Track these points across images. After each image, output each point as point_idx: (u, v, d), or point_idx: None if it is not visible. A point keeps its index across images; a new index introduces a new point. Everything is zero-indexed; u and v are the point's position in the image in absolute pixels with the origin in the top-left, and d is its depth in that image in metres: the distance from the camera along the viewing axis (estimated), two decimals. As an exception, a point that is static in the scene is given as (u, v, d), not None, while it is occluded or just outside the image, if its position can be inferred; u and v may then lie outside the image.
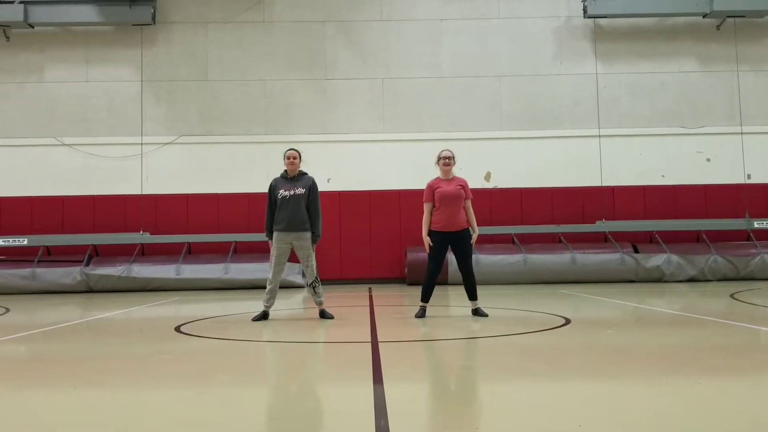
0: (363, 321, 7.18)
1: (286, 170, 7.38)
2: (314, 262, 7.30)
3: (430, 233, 7.17)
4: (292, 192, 7.21)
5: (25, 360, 5.30)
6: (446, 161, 7.27)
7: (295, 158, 7.34)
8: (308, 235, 7.25)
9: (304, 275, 12.41)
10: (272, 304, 7.31)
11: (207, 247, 14.85)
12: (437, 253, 7.15)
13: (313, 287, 7.33)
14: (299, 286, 13.36)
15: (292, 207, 7.17)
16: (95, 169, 15.26)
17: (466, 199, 7.22)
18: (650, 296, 10.26)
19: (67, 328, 7.18)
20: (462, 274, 7.23)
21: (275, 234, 7.25)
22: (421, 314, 7.23)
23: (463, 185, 7.27)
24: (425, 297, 7.31)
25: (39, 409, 3.37)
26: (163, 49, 15.65)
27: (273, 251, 7.24)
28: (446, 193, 7.13)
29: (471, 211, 7.25)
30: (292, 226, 7.17)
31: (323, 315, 7.36)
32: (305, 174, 7.43)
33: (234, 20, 15.72)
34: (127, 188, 15.27)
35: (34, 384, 4.01)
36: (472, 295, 7.27)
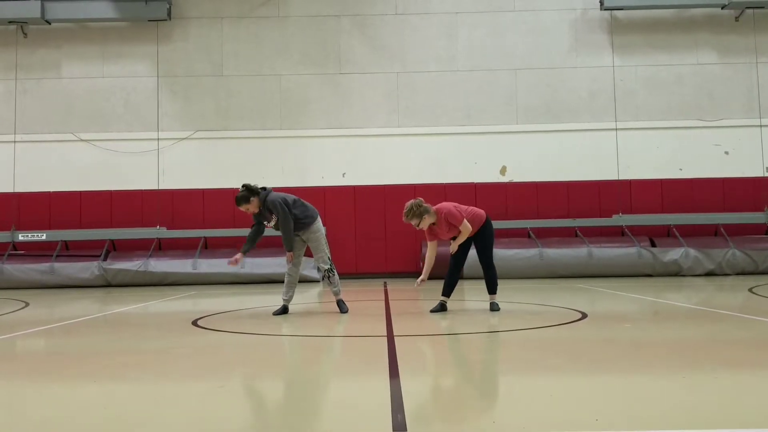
0: (379, 315, 7.19)
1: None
2: (326, 248, 7.26)
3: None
4: (273, 222, 7.07)
5: (45, 354, 5.36)
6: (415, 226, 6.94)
7: (246, 210, 6.97)
8: (314, 226, 7.17)
9: (318, 270, 12.47)
10: (290, 297, 7.34)
11: (223, 241, 14.93)
12: (459, 252, 7.11)
13: (327, 277, 7.28)
14: (314, 281, 13.40)
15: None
16: (112, 165, 15.38)
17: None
18: (667, 290, 10.19)
19: (85, 323, 7.25)
20: (481, 265, 7.18)
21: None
22: (438, 309, 7.22)
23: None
24: (445, 291, 7.27)
25: (59, 403, 3.40)
26: (178, 44, 15.72)
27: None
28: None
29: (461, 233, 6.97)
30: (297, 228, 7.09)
31: (339, 306, 7.39)
32: (264, 203, 7.03)
33: (249, 15, 15.75)
34: (143, 183, 15.38)
35: (54, 378, 4.05)
36: (490, 289, 7.24)
